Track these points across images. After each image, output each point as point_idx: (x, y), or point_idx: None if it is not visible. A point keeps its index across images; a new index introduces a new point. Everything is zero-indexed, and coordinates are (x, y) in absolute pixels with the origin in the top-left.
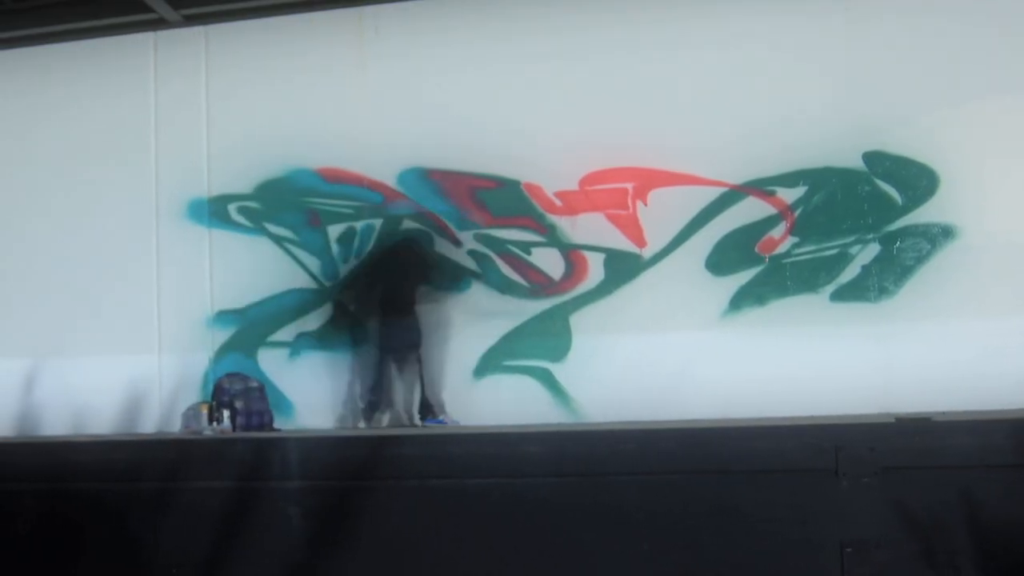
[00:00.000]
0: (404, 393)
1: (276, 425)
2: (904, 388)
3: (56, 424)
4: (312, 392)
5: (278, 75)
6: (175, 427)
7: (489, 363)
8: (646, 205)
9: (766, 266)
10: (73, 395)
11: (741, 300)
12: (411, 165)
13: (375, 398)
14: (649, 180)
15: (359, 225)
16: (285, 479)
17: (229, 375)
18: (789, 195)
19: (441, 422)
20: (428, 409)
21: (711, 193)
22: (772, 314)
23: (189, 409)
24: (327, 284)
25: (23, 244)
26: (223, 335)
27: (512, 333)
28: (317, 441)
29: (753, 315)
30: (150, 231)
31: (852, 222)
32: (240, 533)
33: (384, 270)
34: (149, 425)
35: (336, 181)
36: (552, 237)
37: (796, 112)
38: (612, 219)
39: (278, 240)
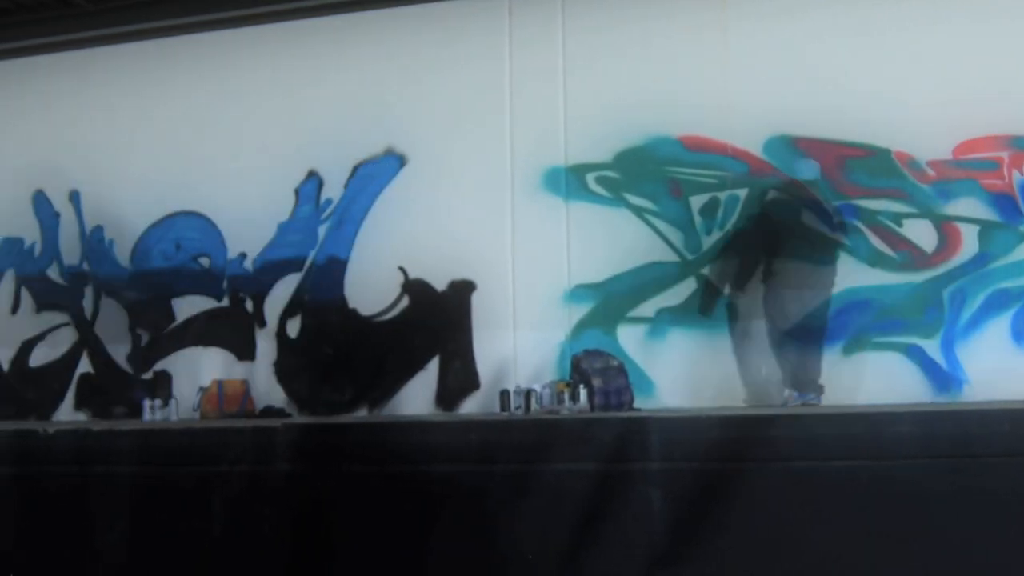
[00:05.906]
0: None
1: (636, 405)
2: None
3: None
4: (675, 371)
5: (637, 39)
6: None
7: (859, 340)
8: (1023, 175)
9: None
10: None
11: None
12: (777, 133)
13: None
14: None
15: (723, 196)
16: (646, 461)
17: (587, 352)
18: None
19: None
20: None
21: None
22: None
23: (545, 388)
24: (690, 257)
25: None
26: (580, 311)
27: (883, 308)
28: (680, 422)
29: None
30: (505, 201)
31: None
32: (599, 517)
33: None
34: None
35: (699, 149)
36: (924, 208)
37: None
38: (987, 190)
39: (638, 211)
